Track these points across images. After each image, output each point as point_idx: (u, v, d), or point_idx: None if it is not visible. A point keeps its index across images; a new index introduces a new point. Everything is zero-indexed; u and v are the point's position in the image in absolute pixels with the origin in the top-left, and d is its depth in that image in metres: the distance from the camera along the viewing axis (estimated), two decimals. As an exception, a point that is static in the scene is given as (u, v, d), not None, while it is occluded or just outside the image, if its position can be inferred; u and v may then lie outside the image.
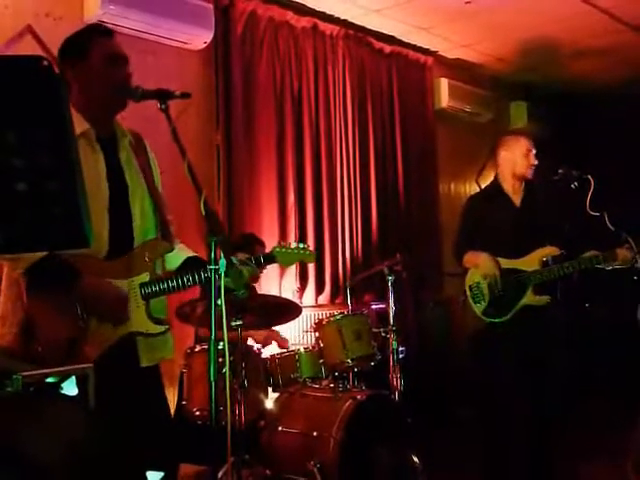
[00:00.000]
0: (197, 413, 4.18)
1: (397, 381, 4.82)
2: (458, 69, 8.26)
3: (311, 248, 3.63)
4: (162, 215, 3.13)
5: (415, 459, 4.51)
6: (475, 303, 4.80)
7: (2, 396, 2.19)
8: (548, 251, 4.71)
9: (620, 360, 6.27)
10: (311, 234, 6.48)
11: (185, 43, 5.58)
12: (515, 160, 4.85)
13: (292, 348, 4.85)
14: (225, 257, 2.57)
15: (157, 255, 3.03)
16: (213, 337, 2.55)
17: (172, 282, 2.98)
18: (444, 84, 7.95)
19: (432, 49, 7.81)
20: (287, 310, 4.57)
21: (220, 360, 2.64)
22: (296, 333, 6.02)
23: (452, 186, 8.46)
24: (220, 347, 2.64)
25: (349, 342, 4.54)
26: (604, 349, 7.09)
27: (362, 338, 4.60)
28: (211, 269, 2.55)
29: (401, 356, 4.92)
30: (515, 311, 4.68)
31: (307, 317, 6.13)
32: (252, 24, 6.11)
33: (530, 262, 4.70)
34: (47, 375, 2.30)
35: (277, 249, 3.46)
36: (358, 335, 4.59)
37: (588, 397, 6.27)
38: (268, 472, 4.21)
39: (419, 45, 7.67)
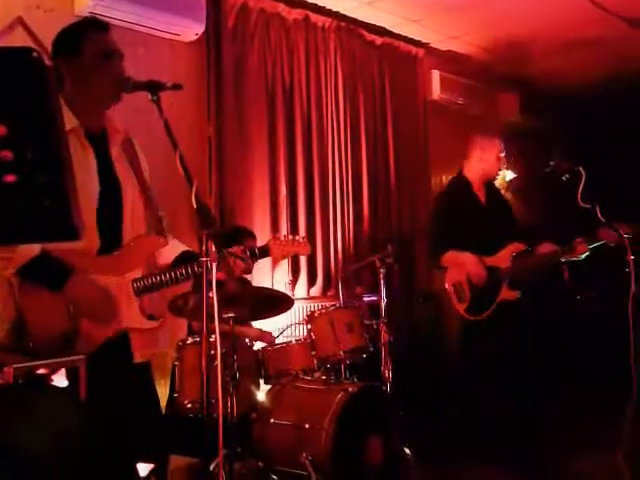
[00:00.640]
0: (189, 406, 4.18)
1: (389, 373, 4.83)
2: (449, 61, 8.25)
3: (305, 240, 3.62)
4: (153, 211, 3.12)
5: (407, 451, 4.53)
6: (459, 302, 4.85)
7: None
8: (516, 247, 4.87)
9: (610, 353, 6.28)
10: (303, 226, 6.48)
11: (176, 35, 5.56)
12: (489, 161, 5.02)
13: (284, 340, 4.85)
14: (217, 249, 2.57)
15: (150, 250, 3.02)
16: (205, 330, 2.55)
17: (165, 277, 2.97)
18: (435, 76, 7.94)
19: (423, 41, 7.80)
20: (279, 302, 4.57)
21: (212, 352, 2.64)
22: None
23: (443, 178, 8.45)
24: (212, 339, 2.64)
25: (341, 334, 4.54)
26: (594, 342, 7.11)
27: (354, 330, 4.60)
28: (203, 262, 2.54)
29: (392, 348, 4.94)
30: (494, 307, 4.84)
31: (299, 309, 6.14)
32: (243, 16, 6.09)
33: (503, 258, 4.86)
34: (37, 367, 2.30)
35: (271, 242, 3.46)
36: (350, 327, 4.60)
37: (577, 390, 6.30)
38: (260, 464, 4.21)
39: (410, 37, 7.66)
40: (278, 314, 4.83)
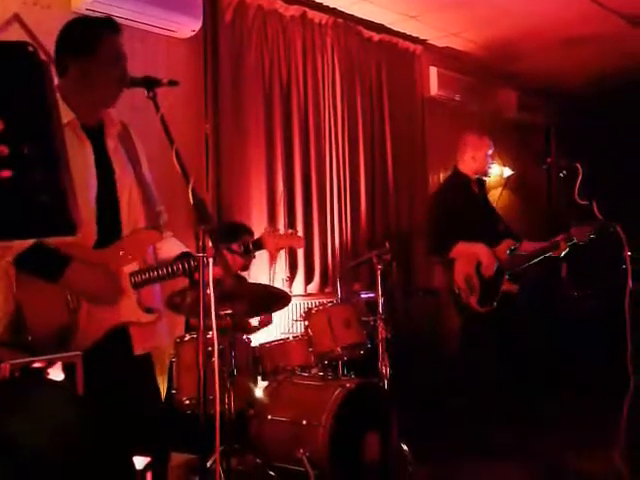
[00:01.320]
0: (187, 402, 4.19)
1: (386, 369, 4.83)
2: (447, 57, 8.24)
3: (299, 233, 3.63)
4: (151, 205, 3.12)
5: (404, 447, 4.54)
6: (470, 294, 5.03)
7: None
8: (510, 243, 5.09)
9: (606, 349, 6.29)
10: (300, 223, 6.47)
11: (173, 31, 5.55)
12: (480, 159, 5.22)
13: (281, 337, 4.85)
14: (213, 245, 2.57)
15: (146, 244, 3.02)
16: (202, 326, 2.55)
17: (162, 271, 2.97)
18: (433, 73, 7.94)
19: (421, 37, 7.79)
20: (276, 299, 4.57)
21: (209, 349, 2.64)
22: (286, 322, 6.03)
23: (441, 174, 8.45)
24: (209, 336, 2.64)
25: (338, 331, 4.55)
26: (591, 338, 7.11)
27: (351, 327, 4.60)
28: (200, 257, 2.54)
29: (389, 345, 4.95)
30: (499, 298, 5.01)
31: (296, 306, 6.14)
32: (241, 12, 6.08)
33: (502, 251, 5.06)
34: (33, 362, 2.30)
35: (265, 234, 3.45)
36: (347, 324, 4.60)
37: (574, 386, 6.30)
38: (258, 461, 4.21)
39: (408, 33, 7.66)
40: (275, 311, 4.83)
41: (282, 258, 6.19)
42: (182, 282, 3.42)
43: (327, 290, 6.66)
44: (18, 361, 2.25)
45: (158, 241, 3.10)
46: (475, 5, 6.82)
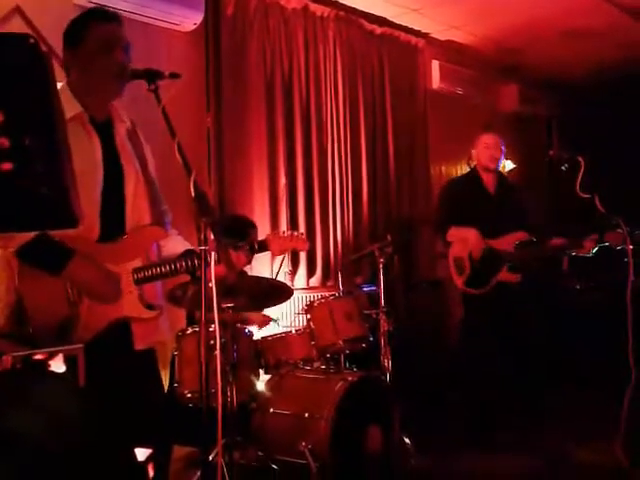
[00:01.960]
0: (188, 395, 4.19)
1: (388, 362, 4.84)
2: (449, 51, 8.23)
3: (303, 236, 3.61)
4: (156, 202, 3.11)
5: (406, 440, 4.54)
6: (458, 275, 5.26)
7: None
8: (519, 236, 5.20)
9: (608, 342, 6.29)
10: (302, 216, 6.47)
11: (175, 24, 5.55)
12: (480, 154, 5.42)
13: (284, 330, 4.85)
14: (216, 239, 2.56)
15: (150, 241, 3.02)
16: (204, 319, 2.55)
17: (165, 268, 2.97)
18: (435, 66, 7.95)
19: (423, 31, 7.78)
20: (278, 292, 4.57)
21: (211, 342, 2.64)
22: (288, 315, 6.04)
23: (443, 168, 8.45)
24: (211, 329, 2.64)
25: (340, 324, 4.54)
26: (592, 331, 7.11)
27: (353, 320, 4.60)
28: (201, 250, 2.54)
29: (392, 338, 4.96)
30: (491, 285, 5.14)
31: (298, 299, 6.15)
32: (242, 5, 6.07)
33: (504, 243, 5.19)
34: (35, 354, 2.30)
35: (270, 237, 3.44)
36: (349, 317, 4.59)
37: (576, 379, 6.30)
38: (260, 454, 4.21)
39: (410, 27, 7.65)
40: (277, 304, 4.83)
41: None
42: (184, 279, 3.42)
43: (329, 283, 6.67)
44: (20, 353, 2.25)
45: (162, 238, 3.09)
46: (477, -2, 6.83)
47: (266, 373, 4.57)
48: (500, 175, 5.56)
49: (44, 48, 1.44)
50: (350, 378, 4.22)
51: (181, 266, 2.98)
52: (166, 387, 4.40)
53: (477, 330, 5.22)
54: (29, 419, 1.78)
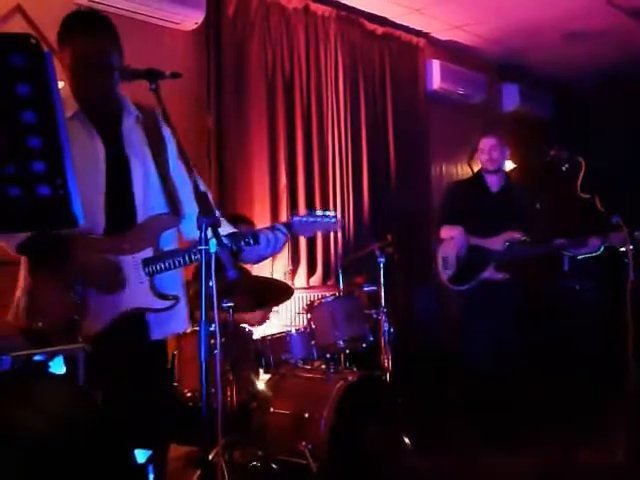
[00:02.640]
0: (188, 395, 4.19)
1: (388, 362, 4.84)
2: (450, 51, 8.23)
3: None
4: (172, 191, 3.08)
5: (406, 440, 4.54)
6: (443, 270, 5.37)
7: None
8: (510, 235, 5.22)
9: (608, 342, 6.29)
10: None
11: (176, 24, 5.56)
12: (478, 158, 5.57)
13: (284, 329, 4.86)
14: (216, 238, 2.56)
15: (159, 230, 3.00)
16: (204, 318, 2.55)
17: (177, 257, 2.95)
18: (436, 66, 7.93)
19: (424, 31, 7.78)
20: (279, 292, 4.58)
21: (211, 341, 2.64)
22: (288, 315, 6.04)
23: (443, 167, 8.45)
24: (211, 329, 2.63)
25: (340, 323, 4.55)
26: (592, 331, 7.12)
27: (353, 320, 4.61)
28: (201, 250, 2.53)
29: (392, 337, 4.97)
30: (475, 283, 5.24)
31: (299, 299, 6.15)
32: (244, 5, 6.07)
33: (495, 242, 5.24)
34: (35, 354, 2.31)
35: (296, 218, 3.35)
36: (350, 316, 4.60)
37: (575, 379, 6.29)
38: (259, 453, 4.21)
39: (411, 27, 7.65)
40: (278, 303, 4.83)
41: (285, 251, 6.19)
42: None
43: (329, 283, 6.67)
44: (20, 353, 2.25)
45: (173, 226, 3.07)
46: (478, -2, 6.83)
47: (266, 372, 4.58)
48: (505, 175, 5.62)
49: (45, 47, 1.44)
50: (350, 378, 4.22)
51: (194, 254, 2.96)
52: (166, 386, 4.40)
53: (473, 329, 5.29)
54: (29, 420, 1.78)
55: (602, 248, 4.92)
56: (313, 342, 4.58)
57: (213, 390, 2.67)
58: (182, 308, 3.07)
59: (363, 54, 7.23)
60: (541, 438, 5.06)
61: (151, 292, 2.91)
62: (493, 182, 5.44)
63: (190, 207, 3.05)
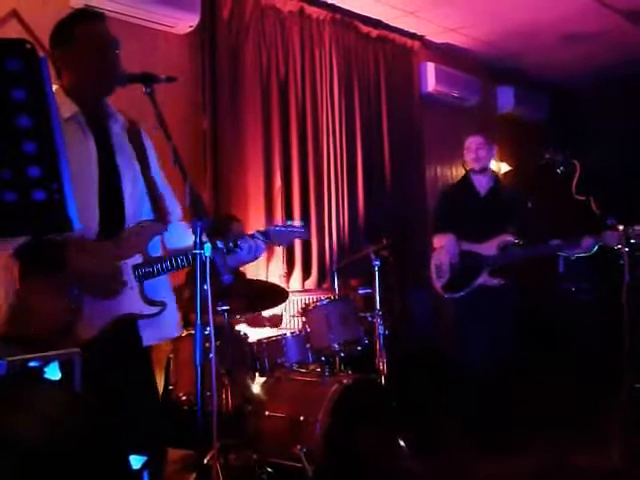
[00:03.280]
0: (184, 398, 4.19)
1: (383, 365, 4.85)
2: (445, 53, 8.24)
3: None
4: (157, 198, 3.10)
5: (401, 443, 4.54)
6: (437, 278, 5.36)
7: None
8: (503, 238, 5.19)
9: (603, 344, 6.30)
10: (297, 219, 6.46)
11: (171, 27, 5.56)
12: (466, 155, 5.48)
13: (279, 333, 4.86)
14: (210, 241, 2.56)
15: (148, 236, 3.00)
16: (199, 322, 2.55)
17: (165, 263, 2.96)
18: (431, 68, 7.94)
19: (419, 33, 7.79)
20: (274, 295, 4.58)
21: (206, 345, 2.64)
22: (283, 318, 6.04)
23: (438, 170, 8.46)
24: (206, 332, 2.63)
25: (336, 327, 4.55)
26: (588, 333, 7.13)
27: (348, 323, 4.61)
28: (195, 254, 2.53)
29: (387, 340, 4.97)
30: (470, 289, 5.19)
31: (294, 302, 6.15)
32: (238, 8, 6.07)
33: (489, 247, 5.20)
34: (30, 360, 2.30)
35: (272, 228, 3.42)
36: (345, 320, 4.60)
37: (572, 382, 6.30)
38: (254, 457, 4.21)
39: (406, 29, 7.65)
40: (273, 307, 4.83)
41: (280, 254, 6.20)
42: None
43: (325, 286, 6.67)
44: (15, 358, 2.25)
45: (161, 233, 3.08)
46: (473, 1, 6.83)
47: (261, 376, 4.57)
48: (494, 176, 5.57)
49: (41, 52, 1.44)
50: (345, 381, 4.22)
51: (182, 260, 2.97)
52: (161, 390, 4.39)
53: (468, 334, 5.27)
54: (24, 424, 1.78)
55: (596, 248, 4.91)
56: (308, 345, 4.58)
57: (208, 393, 2.67)
58: (172, 313, 3.07)
59: (358, 57, 7.24)
60: (537, 441, 5.07)
61: (141, 298, 2.92)
62: (481, 183, 5.40)
63: (173, 216, 3.10)
